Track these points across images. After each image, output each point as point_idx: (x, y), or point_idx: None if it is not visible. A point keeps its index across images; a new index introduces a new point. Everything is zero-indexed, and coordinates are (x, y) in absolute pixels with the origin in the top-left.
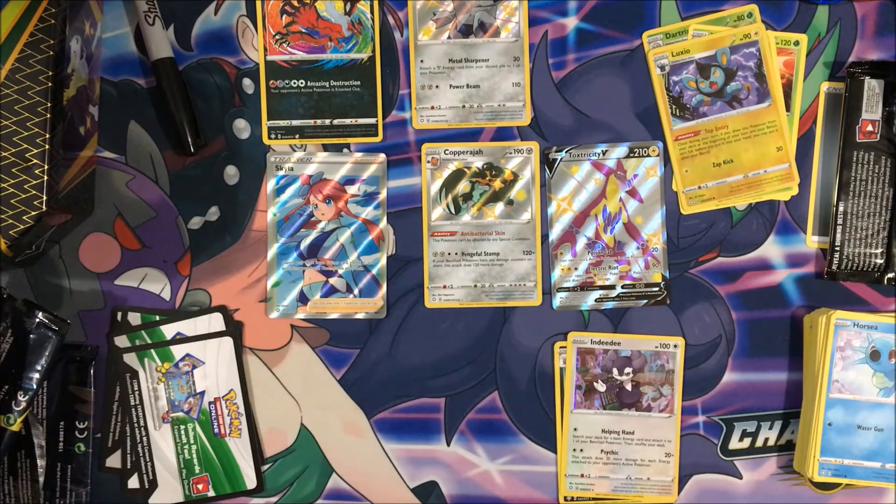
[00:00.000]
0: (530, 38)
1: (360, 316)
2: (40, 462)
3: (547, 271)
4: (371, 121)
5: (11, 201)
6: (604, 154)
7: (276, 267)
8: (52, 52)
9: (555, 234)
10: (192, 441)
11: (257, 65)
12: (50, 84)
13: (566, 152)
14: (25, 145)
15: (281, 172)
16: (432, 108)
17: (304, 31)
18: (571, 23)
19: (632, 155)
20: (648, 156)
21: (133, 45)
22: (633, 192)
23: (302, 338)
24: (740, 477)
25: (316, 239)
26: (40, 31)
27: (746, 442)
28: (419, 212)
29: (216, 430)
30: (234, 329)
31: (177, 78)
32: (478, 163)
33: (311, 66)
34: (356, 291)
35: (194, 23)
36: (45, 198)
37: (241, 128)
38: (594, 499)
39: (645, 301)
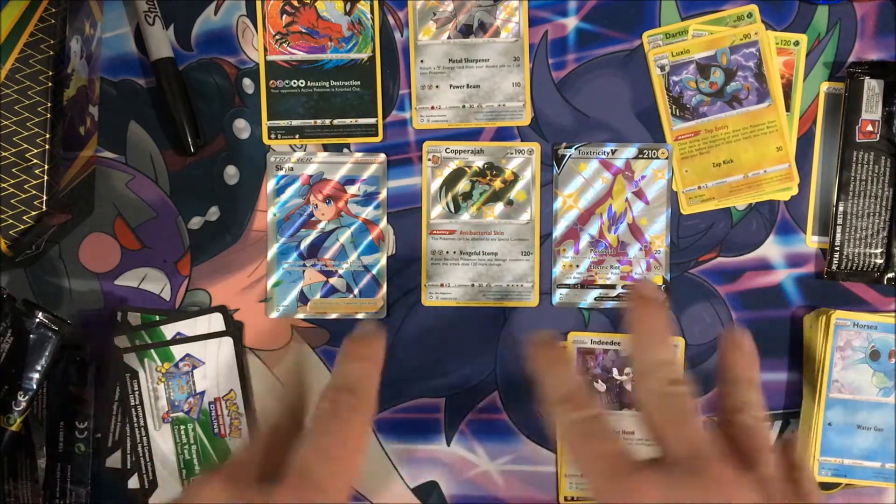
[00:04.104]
0: (530, 38)
1: (360, 316)
2: (40, 462)
3: (546, 272)
4: (371, 121)
5: (11, 201)
6: (613, 153)
7: (276, 267)
8: (52, 52)
9: (558, 230)
10: (192, 441)
11: (257, 65)
12: (50, 84)
13: (575, 149)
14: (25, 145)
15: (281, 172)
16: (432, 108)
17: (304, 31)
18: (571, 23)
19: (641, 156)
20: (657, 158)
21: (133, 45)
22: (639, 194)
23: (302, 338)
24: None
25: (316, 239)
26: (40, 31)
27: None
28: (419, 212)
29: (216, 430)
30: (234, 329)
31: (177, 78)
32: (478, 162)
33: (311, 66)
34: (356, 291)
35: (194, 23)
36: (45, 198)
37: (241, 128)
38: None
39: None
